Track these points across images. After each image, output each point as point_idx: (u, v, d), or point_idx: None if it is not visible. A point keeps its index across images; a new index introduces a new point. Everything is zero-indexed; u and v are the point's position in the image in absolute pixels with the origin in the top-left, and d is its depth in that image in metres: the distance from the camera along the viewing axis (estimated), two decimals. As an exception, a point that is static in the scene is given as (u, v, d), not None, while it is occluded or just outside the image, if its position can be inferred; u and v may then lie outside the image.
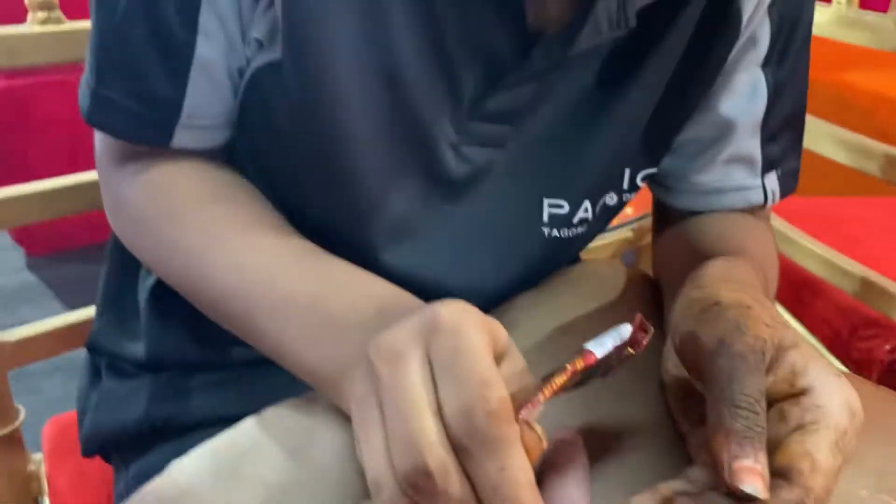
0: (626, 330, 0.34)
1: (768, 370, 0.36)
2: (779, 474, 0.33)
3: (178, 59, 0.46)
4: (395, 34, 0.44)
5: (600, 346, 0.33)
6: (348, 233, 0.49)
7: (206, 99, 0.48)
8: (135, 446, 0.57)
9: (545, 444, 0.32)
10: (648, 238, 1.13)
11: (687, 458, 0.40)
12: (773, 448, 0.35)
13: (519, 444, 0.31)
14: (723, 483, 0.33)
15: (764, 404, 0.35)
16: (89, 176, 0.73)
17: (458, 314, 0.32)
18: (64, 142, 2.12)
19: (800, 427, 0.35)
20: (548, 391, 0.32)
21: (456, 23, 0.45)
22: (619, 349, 0.33)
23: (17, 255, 2.16)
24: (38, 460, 0.79)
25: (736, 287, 0.42)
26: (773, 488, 0.33)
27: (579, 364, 0.32)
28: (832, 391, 0.36)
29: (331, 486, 0.40)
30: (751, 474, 0.32)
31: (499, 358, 0.33)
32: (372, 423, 0.32)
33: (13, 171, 0.86)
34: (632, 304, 0.56)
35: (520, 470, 0.30)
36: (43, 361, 0.76)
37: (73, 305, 0.79)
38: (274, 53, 0.45)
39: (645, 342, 0.34)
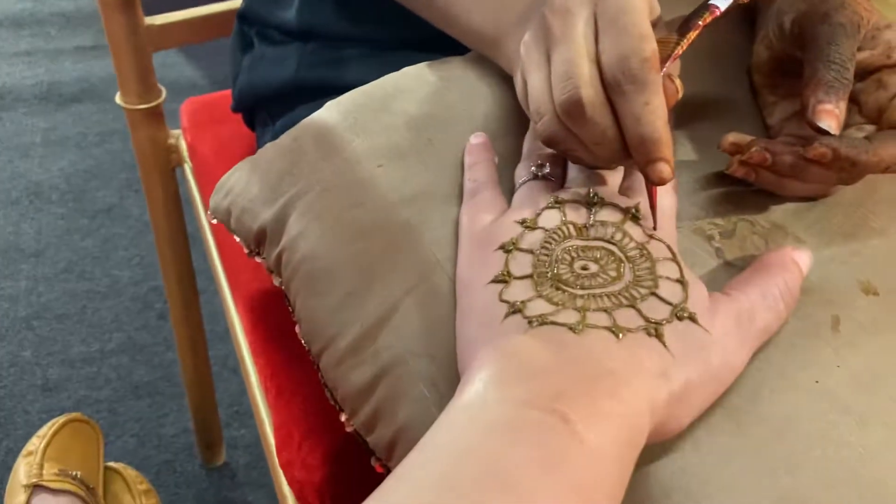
0: None
1: (866, 47, 0.43)
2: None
3: None
4: None
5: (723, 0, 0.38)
6: None
7: None
8: (283, 104, 0.65)
9: (681, 94, 0.38)
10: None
11: (763, 129, 0.49)
12: (876, 115, 0.43)
13: (661, 89, 0.36)
14: (806, 123, 0.41)
15: (853, 65, 0.42)
16: None
17: None
18: None
19: None
20: (685, 45, 0.38)
21: None
22: (735, 1, 0.39)
23: None
24: (175, 135, 0.90)
25: None
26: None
27: (708, 18, 0.38)
28: None
29: (460, 121, 0.49)
30: (829, 115, 0.40)
31: (652, 25, 0.38)
32: (539, 64, 0.39)
33: None
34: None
35: (660, 106, 0.35)
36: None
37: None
38: None
39: None
